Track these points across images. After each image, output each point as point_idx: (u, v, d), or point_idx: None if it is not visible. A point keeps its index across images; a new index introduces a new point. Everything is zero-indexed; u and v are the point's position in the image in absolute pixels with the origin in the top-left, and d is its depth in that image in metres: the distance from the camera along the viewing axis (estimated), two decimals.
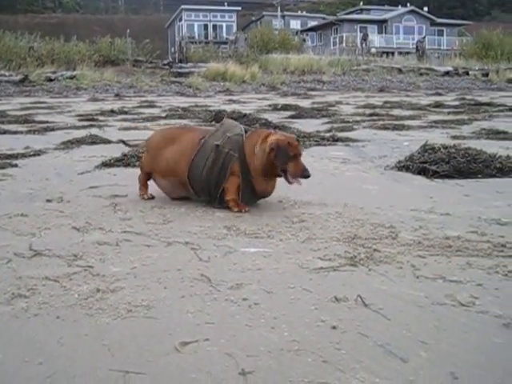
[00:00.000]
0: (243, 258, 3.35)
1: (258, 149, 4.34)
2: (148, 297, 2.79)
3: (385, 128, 10.16)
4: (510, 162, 5.97)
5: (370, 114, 13.19)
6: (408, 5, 69.05)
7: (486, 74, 33.47)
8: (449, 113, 14.02)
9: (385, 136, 9.19)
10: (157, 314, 2.60)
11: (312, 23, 75.87)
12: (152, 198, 4.89)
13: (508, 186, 5.30)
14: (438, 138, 8.75)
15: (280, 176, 4.38)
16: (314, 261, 3.26)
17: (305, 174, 4.26)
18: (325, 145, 8.15)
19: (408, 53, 47.65)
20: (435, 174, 5.73)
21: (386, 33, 63.86)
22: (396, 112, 14.11)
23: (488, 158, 6.04)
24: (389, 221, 4.07)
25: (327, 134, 9.08)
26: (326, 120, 11.96)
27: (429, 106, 16.38)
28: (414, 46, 45.55)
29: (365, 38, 48.15)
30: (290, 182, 4.32)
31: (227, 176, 4.38)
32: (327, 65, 36.57)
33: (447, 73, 34.76)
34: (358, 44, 50.61)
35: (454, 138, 8.78)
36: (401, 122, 11.15)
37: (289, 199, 4.77)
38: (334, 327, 2.43)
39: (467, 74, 34.53)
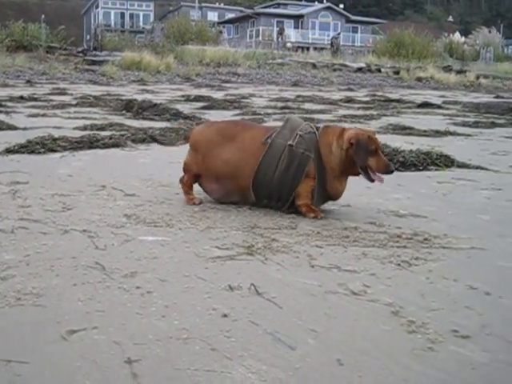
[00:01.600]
0: (140, 246, 3.30)
1: (334, 147, 3.99)
2: (39, 284, 2.71)
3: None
4: (412, 156, 6.13)
5: (282, 107, 13.29)
6: (324, 1, 70.03)
7: (397, 72, 34.29)
8: (359, 108, 14.30)
9: None
10: (46, 302, 2.53)
11: (229, 15, 76.00)
12: (201, 202, 4.31)
13: (409, 179, 5.44)
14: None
15: (358, 174, 4.07)
16: (212, 250, 3.25)
17: (389, 169, 3.97)
18: None
19: (323, 48, 48.28)
20: None
21: (302, 28, 64.60)
22: (307, 106, 14.27)
23: (391, 151, 6.19)
24: (291, 211, 4.10)
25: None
26: (237, 112, 11.97)
27: (340, 100, 16.64)
28: (329, 42, 46.19)
29: (281, 32, 48.49)
30: (371, 180, 4.01)
31: (302, 179, 4.00)
32: (243, 57, 36.68)
33: (360, 69, 35.44)
34: (274, 38, 50.95)
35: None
36: (311, 116, 11.28)
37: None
38: (225, 315, 2.42)
39: (379, 71, 35.29)
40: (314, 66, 35.78)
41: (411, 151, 6.29)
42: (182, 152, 4.73)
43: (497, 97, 23.19)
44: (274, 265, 3.04)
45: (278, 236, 3.52)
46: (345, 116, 11.62)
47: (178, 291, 2.68)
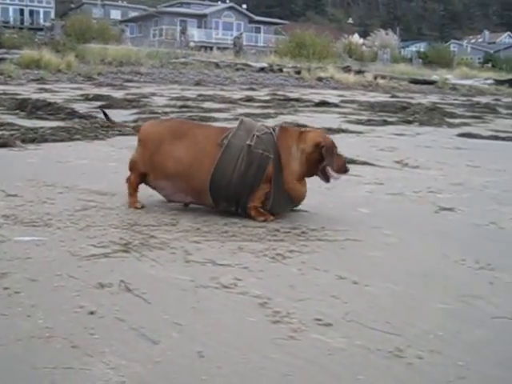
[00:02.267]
0: (15, 247, 3.21)
1: (295, 150, 3.91)
2: None
3: (192, 119, 10.20)
4: None
5: (181, 106, 13.23)
6: (227, 1, 70.25)
7: (299, 72, 34.76)
8: (258, 107, 14.41)
9: None
10: None
11: (133, 14, 75.04)
12: (143, 207, 4.13)
13: None
14: None
15: (312, 176, 4.05)
16: (87, 248, 3.20)
17: (347, 168, 4.04)
18: (127, 135, 8.05)
19: (226, 48, 48.44)
20: None
21: (205, 27, 64.55)
22: (207, 105, 14.26)
23: None
24: (173, 208, 4.09)
25: (131, 124, 8.98)
26: (135, 111, 11.83)
27: (240, 100, 16.71)
28: (232, 42, 46.37)
29: (183, 32, 48.33)
30: (328, 181, 4.04)
31: (263, 180, 3.87)
32: (145, 56, 36.31)
33: (262, 69, 35.71)
34: (178, 37, 50.71)
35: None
36: (209, 115, 11.29)
37: (73, 188, 4.65)
38: (91, 313, 2.40)
39: (281, 70, 35.67)
40: (217, 65, 35.81)
41: None
42: (69, 152, 4.65)
43: (392, 96, 23.89)
44: (148, 261, 3.03)
45: (156, 233, 3.51)
46: (242, 115, 11.68)
47: (46, 290, 2.63)
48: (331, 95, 22.25)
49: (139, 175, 4.11)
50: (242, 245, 3.35)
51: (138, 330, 2.25)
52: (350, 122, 11.55)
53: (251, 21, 67.28)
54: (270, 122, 10.47)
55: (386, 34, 57.93)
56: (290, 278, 2.88)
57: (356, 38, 56.25)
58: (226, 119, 10.72)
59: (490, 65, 55.72)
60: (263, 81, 31.65)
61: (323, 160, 3.91)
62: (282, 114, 12.57)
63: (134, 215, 3.90)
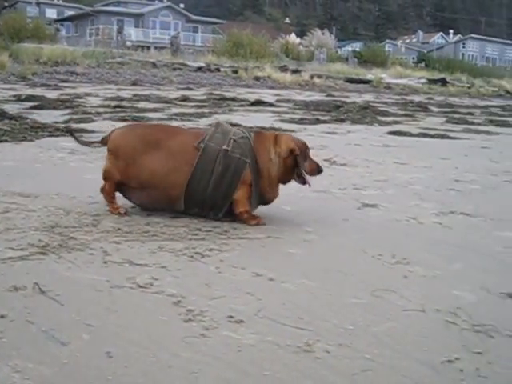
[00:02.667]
0: None
1: (273, 154, 3.89)
2: None
3: (124, 120, 10.12)
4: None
5: (115, 107, 13.08)
6: (165, 0, 69.80)
7: (236, 71, 34.76)
8: (193, 106, 14.37)
9: None
10: None
11: (69, 13, 73.77)
12: (127, 212, 4.00)
13: None
14: None
15: (289, 181, 4.06)
16: (4, 251, 3.14)
17: (319, 169, 4.01)
18: (57, 136, 7.93)
19: (164, 47, 48.11)
20: None
21: (142, 27, 63.97)
22: (142, 105, 14.14)
23: None
24: (96, 209, 4.05)
25: (63, 125, 8.85)
26: (68, 111, 11.65)
27: (176, 99, 16.63)
28: (170, 42, 46.10)
29: (120, 31, 47.82)
30: (304, 183, 4.00)
31: (238, 186, 3.82)
32: (81, 56, 35.74)
33: (200, 68, 35.59)
34: (114, 36, 50.15)
35: (190, 129, 9.00)
36: (142, 114, 11.20)
37: None
38: (2, 316, 2.36)
39: (218, 70, 35.62)
40: (154, 65, 35.52)
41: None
42: None
43: (328, 95, 24.15)
44: (66, 263, 3.00)
45: (76, 234, 3.47)
46: (176, 114, 11.64)
47: None
48: (267, 94, 22.34)
49: (115, 184, 3.99)
50: (163, 244, 3.34)
51: (47, 333, 2.22)
52: (283, 120, 11.64)
53: (189, 20, 67.00)
54: (203, 121, 10.48)
55: (323, 33, 58.48)
56: (207, 276, 2.89)
57: (293, 38, 56.60)
58: (159, 119, 10.65)
59: (423, 64, 56.82)
60: (200, 80, 31.56)
61: (297, 165, 3.91)
62: (216, 113, 12.57)
63: (56, 217, 3.84)
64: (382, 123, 12.37)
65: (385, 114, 15.05)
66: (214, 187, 3.80)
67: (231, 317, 2.41)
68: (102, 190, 4.07)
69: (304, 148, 3.94)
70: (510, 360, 2.19)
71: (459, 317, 2.56)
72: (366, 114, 14.03)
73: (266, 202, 4.02)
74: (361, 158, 7.25)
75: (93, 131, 8.45)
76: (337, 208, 4.51)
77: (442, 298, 2.77)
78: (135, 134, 4.04)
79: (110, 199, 4.03)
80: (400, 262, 3.28)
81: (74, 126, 8.80)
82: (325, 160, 6.81)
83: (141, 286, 2.71)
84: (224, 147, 3.81)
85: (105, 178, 4.04)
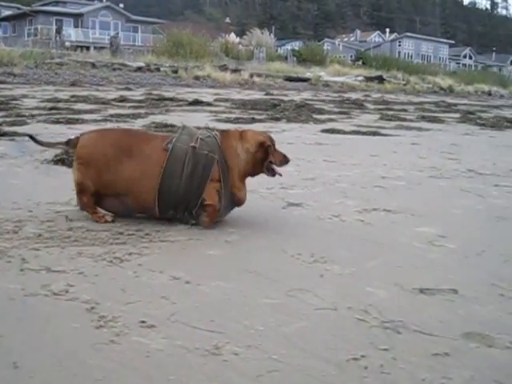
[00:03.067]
0: None
1: (240, 150, 3.91)
2: None
3: (58, 122, 9.96)
4: None
5: (51, 108, 12.85)
6: (104, 0, 68.91)
7: (176, 71, 34.55)
8: (130, 107, 14.23)
9: (55, 130, 9.00)
10: None
11: (6, 12, 72.08)
12: (114, 219, 3.87)
13: None
14: None
15: (258, 174, 4.09)
16: None
17: (287, 159, 4.10)
18: None
19: (103, 48, 47.47)
20: None
21: (82, 27, 62.99)
22: (79, 106, 13.93)
23: None
24: (18, 215, 3.97)
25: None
26: (2, 114, 11.40)
27: (114, 100, 16.44)
28: (109, 42, 45.55)
29: (59, 31, 47.02)
30: (274, 175, 4.07)
31: (208, 183, 3.80)
32: (19, 57, 35.02)
33: (140, 68, 35.25)
34: (53, 37, 49.28)
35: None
36: (78, 116, 11.02)
37: None
38: None
39: (158, 70, 35.34)
40: (93, 65, 35.02)
41: None
42: None
43: (267, 94, 24.23)
44: None
45: None
46: (112, 115, 11.50)
47: None
48: (207, 94, 22.28)
49: (92, 194, 3.87)
50: (83, 250, 3.30)
51: None
52: (219, 120, 11.63)
53: (128, 20, 66.21)
54: (139, 122, 10.40)
55: (262, 32, 58.55)
56: (124, 281, 2.86)
57: (233, 37, 56.53)
58: (94, 120, 10.51)
59: (360, 62, 57.53)
60: (140, 80, 31.27)
61: (267, 158, 3.97)
62: (153, 113, 12.47)
63: None
64: (316, 121, 12.47)
65: (321, 111, 15.19)
66: (186, 186, 3.78)
67: (143, 322, 2.40)
68: (81, 204, 3.94)
69: (271, 141, 4.03)
70: (413, 355, 2.24)
71: (370, 314, 2.60)
72: (302, 113, 14.11)
73: (236, 201, 3.99)
74: (291, 156, 7.29)
75: (25, 134, 8.27)
76: (262, 208, 4.52)
77: (354, 296, 2.81)
78: (107, 140, 3.94)
79: (93, 210, 3.90)
80: (318, 260, 3.32)
81: (6, 129, 8.59)
82: None
83: (55, 294, 2.67)
84: (192, 144, 3.81)
85: (79, 191, 3.91)
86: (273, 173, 4.06)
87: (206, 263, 3.19)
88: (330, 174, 6.15)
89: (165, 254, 3.31)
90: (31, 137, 4.31)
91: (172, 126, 9.69)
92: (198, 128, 4.22)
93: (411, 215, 4.54)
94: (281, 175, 4.10)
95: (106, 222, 3.84)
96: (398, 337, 2.39)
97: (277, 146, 4.10)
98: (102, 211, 3.91)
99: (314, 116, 13.58)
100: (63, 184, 4.96)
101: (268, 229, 3.94)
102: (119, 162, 3.79)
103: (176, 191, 3.78)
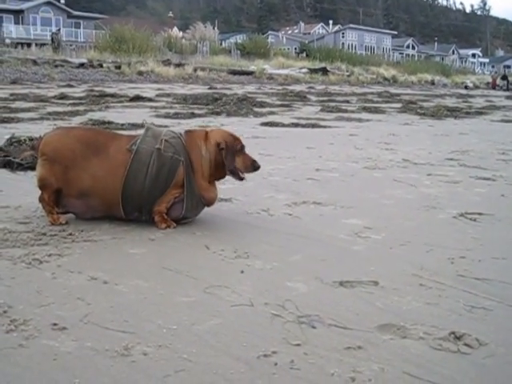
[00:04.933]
0: None
1: (204, 150, 3.81)
2: None
3: None
4: None
5: None
6: None
7: (119, 67, 34.12)
8: (69, 104, 14.01)
9: None
10: None
11: None
12: (67, 222, 3.78)
13: None
14: (45, 129, 8.66)
15: (225, 176, 3.99)
16: None
17: (255, 166, 3.94)
18: None
19: (45, 44, 46.54)
20: (20, 167, 5.66)
21: (23, 23, 61.68)
22: (17, 104, 13.65)
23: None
24: None
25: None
26: None
27: (54, 97, 16.18)
28: (50, 38, 44.73)
29: None
30: (241, 179, 3.95)
31: (172, 186, 3.73)
32: None
33: (82, 65, 34.70)
34: None
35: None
36: (14, 115, 10.79)
37: None
38: None
39: (101, 66, 34.86)
40: (35, 62, 34.34)
41: None
42: None
43: (210, 88, 24.22)
44: None
45: None
46: (50, 113, 11.31)
47: None
48: (150, 89, 22.11)
49: (54, 192, 3.75)
50: (2, 252, 3.22)
51: None
52: (158, 115, 11.57)
53: (70, 16, 65.00)
54: (76, 120, 10.25)
55: (205, 26, 58.18)
56: (41, 283, 2.80)
57: (176, 32, 56.23)
58: (31, 119, 10.33)
59: (304, 54, 57.77)
60: (83, 77, 30.83)
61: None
62: (92, 110, 12.32)
63: None
64: (257, 114, 12.50)
65: (262, 105, 15.22)
66: (150, 188, 3.71)
67: (55, 324, 2.35)
68: (41, 199, 3.83)
69: (233, 143, 3.87)
70: (325, 349, 2.25)
71: (286, 309, 2.60)
72: (243, 106, 14.13)
73: (206, 202, 3.94)
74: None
75: None
76: None
77: (273, 291, 2.81)
78: (73, 136, 3.84)
79: (50, 209, 3.79)
80: (240, 256, 3.31)
81: None
82: None
83: None
84: (157, 146, 3.74)
85: (41, 187, 3.79)
86: (238, 177, 3.98)
87: (126, 262, 3.14)
88: (264, 168, 6.14)
89: (86, 253, 3.25)
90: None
91: (110, 122, 9.60)
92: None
93: (340, 207, 4.58)
94: (242, 179, 4.02)
95: (60, 224, 3.75)
96: (313, 331, 2.40)
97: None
98: (57, 213, 3.80)
99: (255, 109, 13.62)
100: None
101: (194, 225, 3.92)
102: (86, 158, 3.71)
103: (140, 193, 3.71)
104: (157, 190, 3.74)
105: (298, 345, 2.28)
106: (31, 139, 6.18)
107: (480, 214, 4.47)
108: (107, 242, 3.47)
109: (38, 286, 2.76)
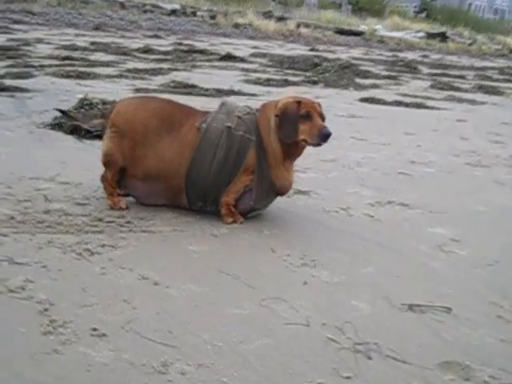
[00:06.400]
0: None
1: (273, 124, 3.75)
2: None
3: (68, 76, 10.07)
4: None
5: (64, 58, 12.95)
6: None
7: (214, 17, 34.42)
8: (153, 60, 14.28)
9: (63, 85, 9.13)
10: None
11: None
12: (128, 207, 3.92)
13: None
14: (121, 90, 8.93)
15: (300, 153, 3.89)
16: None
17: (323, 132, 3.65)
18: None
19: None
20: (88, 134, 5.88)
21: None
22: (96, 56, 14.02)
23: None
24: None
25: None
26: (9, 63, 11.55)
27: (137, 50, 16.50)
28: None
29: None
30: (316, 144, 3.76)
31: (241, 171, 3.74)
32: None
33: (174, 11, 35.15)
34: None
35: (137, 90, 9.01)
36: (91, 70, 11.09)
37: None
38: None
39: (195, 14, 35.24)
40: (122, 5, 35.06)
41: None
42: None
43: (312, 49, 24.00)
44: None
45: None
46: (129, 70, 11.58)
47: None
48: (244, 46, 22.17)
49: (118, 171, 3.85)
50: (54, 238, 3.41)
51: None
52: (248, 81, 11.63)
53: None
54: (158, 80, 10.46)
55: None
56: (87, 278, 2.97)
57: None
58: (108, 76, 10.60)
59: (424, 15, 56.52)
60: (173, 26, 31.17)
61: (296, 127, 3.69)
62: (176, 69, 12.52)
63: None
64: (358, 87, 12.39)
65: (366, 75, 15.05)
66: (217, 173, 3.73)
67: (95, 330, 2.49)
68: (103, 178, 3.95)
69: (294, 108, 3.69)
70: None
71: (344, 333, 2.67)
72: (344, 76, 14.03)
73: (277, 190, 3.91)
74: None
75: (28, 90, 8.42)
76: None
77: (334, 310, 2.88)
78: (149, 108, 3.88)
79: (111, 191, 3.91)
80: (307, 264, 3.39)
81: (9, 82, 8.74)
82: None
83: (11, 291, 2.78)
84: (227, 124, 3.75)
85: (105, 164, 3.89)
86: (312, 143, 3.76)
87: (182, 261, 3.27)
88: (353, 156, 6.18)
89: (141, 247, 3.40)
90: (62, 111, 4.23)
91: (193, 86, 9.77)
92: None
93: (429, 212, 4.56)
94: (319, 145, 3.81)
95: (120, 208, 3.86)
96: (367, 362, 2.46)
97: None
98: (119, 197, 3.93)
99: (357, 80, 13.49)
100: (53, 155, 5.10)
101: (263, 221, 4.00)
102: (158, 135, 3.77)
103: (206, 178, 3.74)
104: (224, 176, 3.74)
105: (349, 378, 2.34)
106: (104, 103, 6.38)
107: None
108: (166, 235, 3.61)
109: (84, 283, 2.92)
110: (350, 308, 2.92)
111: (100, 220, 3.74)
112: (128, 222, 3.73)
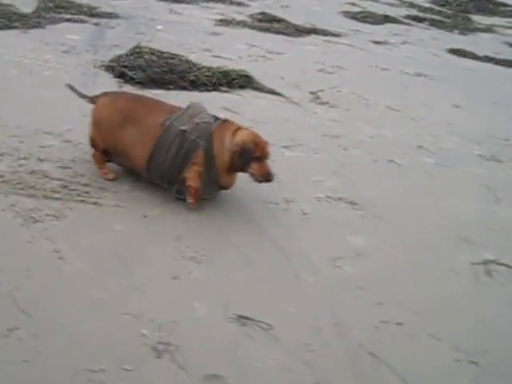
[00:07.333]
0: None
1: (227, 144, 4.60)
2: None
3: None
4: (205, 75, 7.27)
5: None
6: None
7: None
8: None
9: (153, 7, 10.07)
10: None
11: None
12: (115, 178, 4.98)
13: (193, 98, 5.79)
14: (205, 19, 9.66)
15: (242, 171, 4.71)
16: None
17: (267, 179, 4.62)
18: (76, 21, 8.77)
19: None
20: (131, 81, 6.85)
21: None
22: None
23: (185, 69, 7.31)
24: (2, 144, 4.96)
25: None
26: None
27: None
28: None
29: None
30: (260, 181, 4.67)
31: (189, 165, 4.64)
32: None
33: None
34: None
35: (221, 21, 9.59)
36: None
37: None
38: None
39: None
40: None
41: (209, 69, 7.39)
42: None
43: None
44: None
45: None
46: None
47: None
48: None
49: (101, 151, 4.92)
50: (19, 201, 4.27)
51: None
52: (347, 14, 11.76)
53: None
54: (251, 9, 10.78)
55: None
56: (13, 246, 3.84)
57: None
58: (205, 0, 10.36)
59: None
60: None
61: (244, 163, 4.59)
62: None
63: None
64: (466, 31, 11.80)
65: (493, 10, 13.93)
66: (170, 163, 4.65)
67: None
68: (93, 155, 4.98)
69: (252, 149, 4.56)
70: None
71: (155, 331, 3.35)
72: (468, 9, 13.42)
73: (222, 187, 4.83)
74: (357, 92, 7.53)
75: (116, 15, 9.26)
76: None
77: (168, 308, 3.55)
78: (116, 106, 4.85)
79: (100, 165, 4.98)
80: (195, 258, 4.09)
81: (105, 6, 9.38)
82: (313, 96, 7.38)
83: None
84: (183, 128, 4.63)
85: (92, 145, 4.94)
86: (255, 179, 4.64)
87: (98, 240, 4.10)
88: (364, 132, 6.42)
89: (77, 220, 4.23)
90: (70, 87, 5.17)
91: (279, 21, 10.22)
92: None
93: (371, 215, 4.94)
94: (260, 182, 4.68)
95: (107, 179, 4.94)
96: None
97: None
98: (107, 169, 4.98)
99: (474, 18, 12.77)
100: (82, 105, 5.16)
101: (202, 207, 4.73)
102: (123, 128, 4.73)
103: (162, 164, 4.68)
104: (175, 167, 4.67)
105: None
106: (151, 53, 7.28)
107: None
108: (107, 210, 4.36)
109: (5, 248, 3.77)
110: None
111: (65, 187, 4.55)
112: (86, 192, 4.54)
